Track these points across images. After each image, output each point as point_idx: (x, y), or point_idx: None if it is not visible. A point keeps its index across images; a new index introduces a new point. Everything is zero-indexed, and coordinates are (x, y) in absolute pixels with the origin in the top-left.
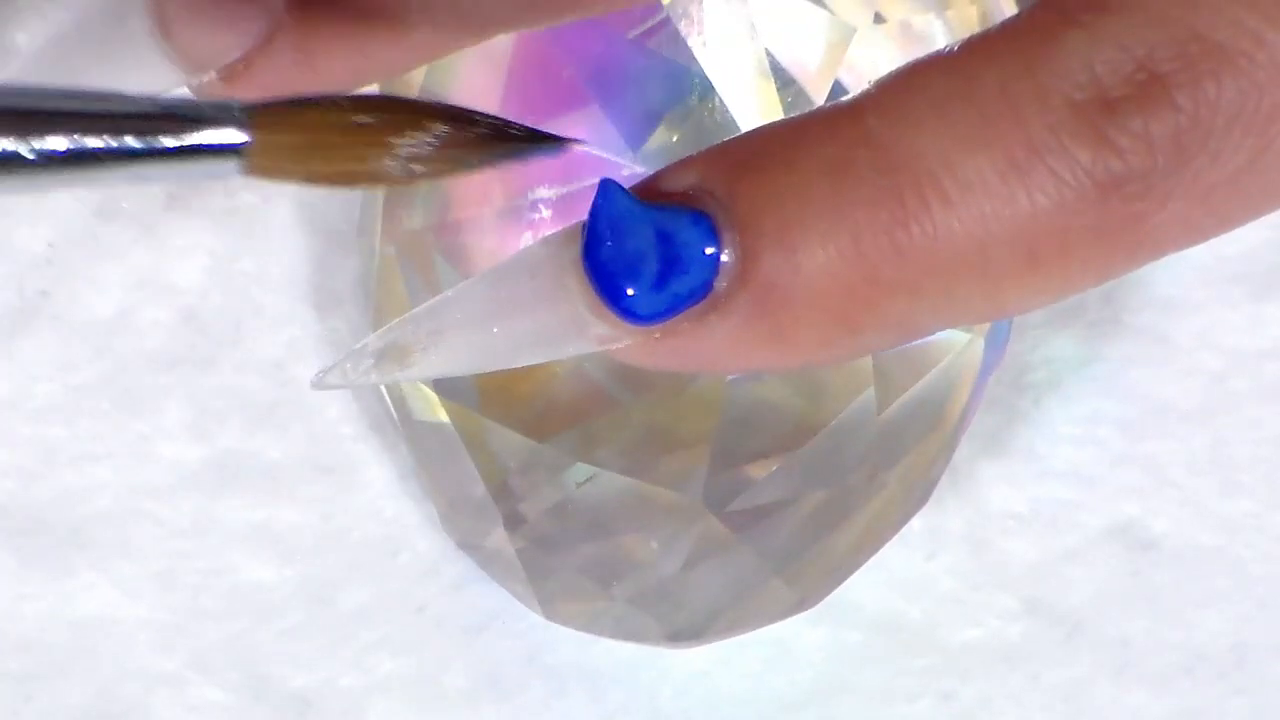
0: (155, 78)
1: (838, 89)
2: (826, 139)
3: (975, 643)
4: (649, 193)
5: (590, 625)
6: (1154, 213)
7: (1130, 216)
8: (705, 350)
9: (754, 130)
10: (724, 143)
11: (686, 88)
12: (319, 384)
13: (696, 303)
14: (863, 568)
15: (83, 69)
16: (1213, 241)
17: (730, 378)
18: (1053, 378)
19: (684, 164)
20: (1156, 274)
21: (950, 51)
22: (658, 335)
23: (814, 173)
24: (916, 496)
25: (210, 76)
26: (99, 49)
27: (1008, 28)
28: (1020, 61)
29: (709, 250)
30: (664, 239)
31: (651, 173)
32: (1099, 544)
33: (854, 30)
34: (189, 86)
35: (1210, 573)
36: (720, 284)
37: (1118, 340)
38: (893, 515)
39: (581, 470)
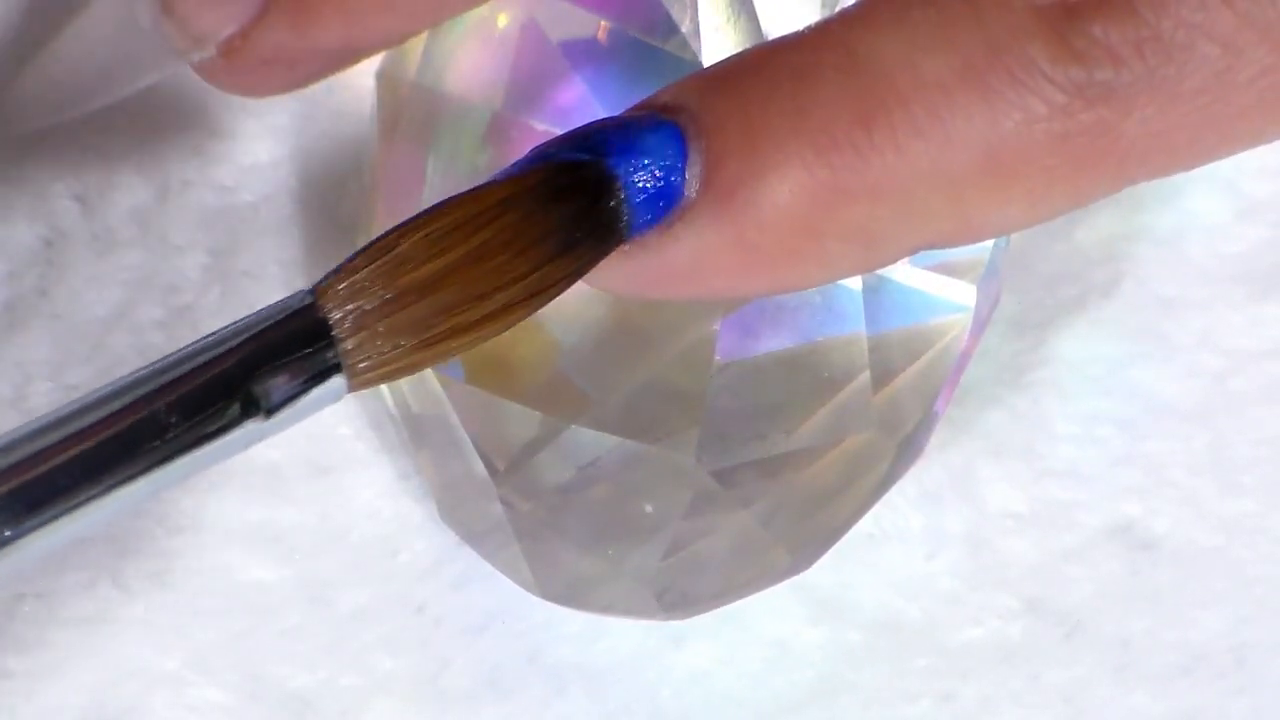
0: (160, 58)
1: None
2: (794, 47)
3: (975, 643)
4: (629, 113)
5: (585, 601)
6: (1118, 121)
7: (1093, 124)
8: (673, 264)
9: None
10: (705, 67)
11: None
12: None
13: (665, 213)
14: (862, 567)
15: (91, 63)
16: (1213, 241)
17: (720, 357)
18: (1052, 377)
19: (666, 87)
20: (1157, 273)
21: None
22: (625, 249)
23: (780, 77)
24: (908, 456)
25: (210, 53)
26: (106, 43)
27: None
28: None
29: (676, 156)
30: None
31: None
32: (1099, 544)
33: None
34: (190, 64)
35: (1210, 573)
36: (688, 194)
37: (1118, 340)
38: (885, 476)
39: (578, 445)
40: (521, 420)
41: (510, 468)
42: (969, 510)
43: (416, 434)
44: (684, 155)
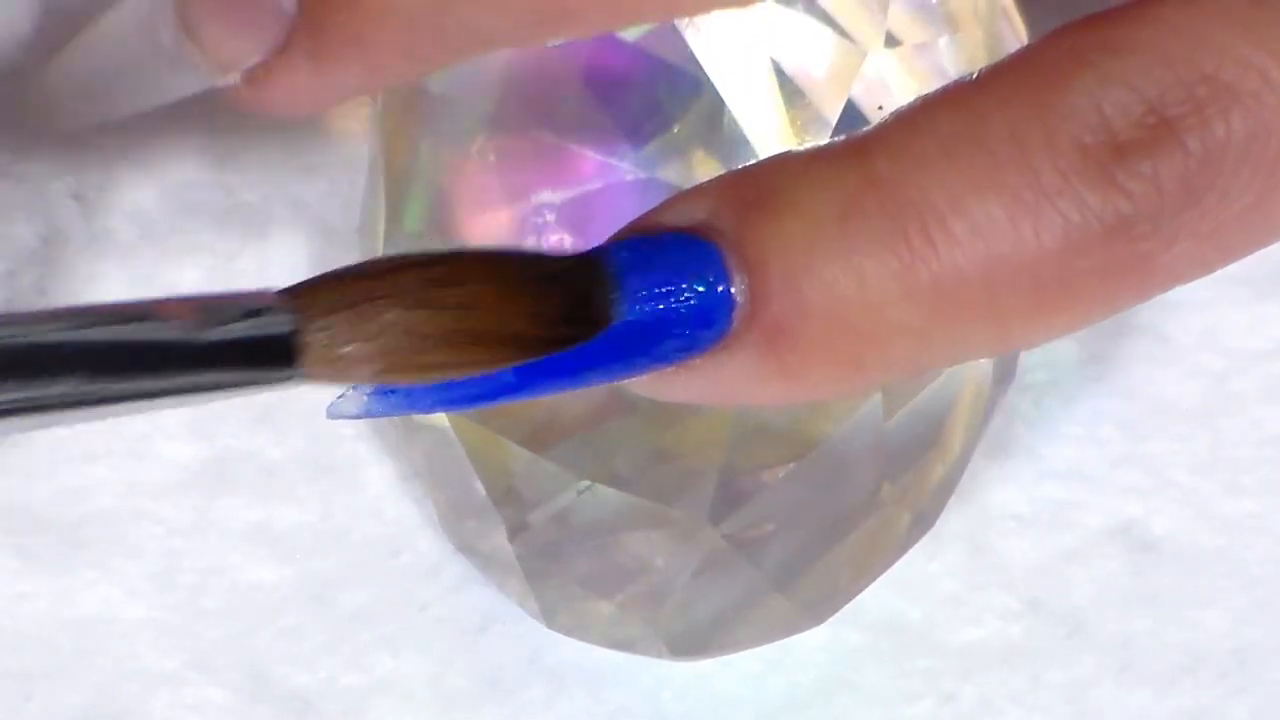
0: (183, 82)
1: (848, 108)
2: (835, 181)
3: (976, 643)
4: (656, 227)
5: (592, 636)
6: (1161, 252)
7: (1137, 256)
8: (715, 385)
9: (762, 164)
10: (732, 176)
11: (688, 90)
12: (333, 414)
13: (712, 341)
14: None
15: (112, 75)
16: None
17: None
18: (1054, 377)
19: (692, 197)
20: None
21: (960, 88)
22: (670, 370)
23: (822, 216)
24: (920, 518)
25: (234, 79)
26: (128, 56)
27: (1018, 65)
28: (1030, 103)
29: (719, 289)
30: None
31: (651, 181)
32: (1100, 544)
33: (863, 53)
34: (219, 88)
35: (1212, 573)
36: (733, 324)
37: (1119, 340)
38: (896, 536)
39: (593, 503)
40: (527, 461)
41: (516, 507)
42: (969, 510)
43: (423, 464)
44: (725, 281)
